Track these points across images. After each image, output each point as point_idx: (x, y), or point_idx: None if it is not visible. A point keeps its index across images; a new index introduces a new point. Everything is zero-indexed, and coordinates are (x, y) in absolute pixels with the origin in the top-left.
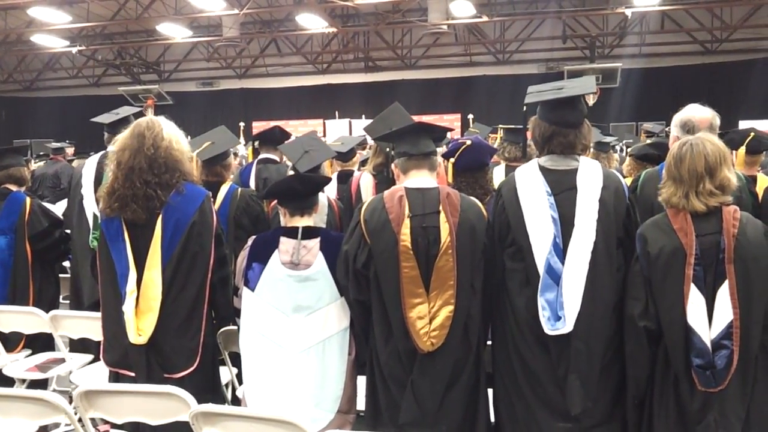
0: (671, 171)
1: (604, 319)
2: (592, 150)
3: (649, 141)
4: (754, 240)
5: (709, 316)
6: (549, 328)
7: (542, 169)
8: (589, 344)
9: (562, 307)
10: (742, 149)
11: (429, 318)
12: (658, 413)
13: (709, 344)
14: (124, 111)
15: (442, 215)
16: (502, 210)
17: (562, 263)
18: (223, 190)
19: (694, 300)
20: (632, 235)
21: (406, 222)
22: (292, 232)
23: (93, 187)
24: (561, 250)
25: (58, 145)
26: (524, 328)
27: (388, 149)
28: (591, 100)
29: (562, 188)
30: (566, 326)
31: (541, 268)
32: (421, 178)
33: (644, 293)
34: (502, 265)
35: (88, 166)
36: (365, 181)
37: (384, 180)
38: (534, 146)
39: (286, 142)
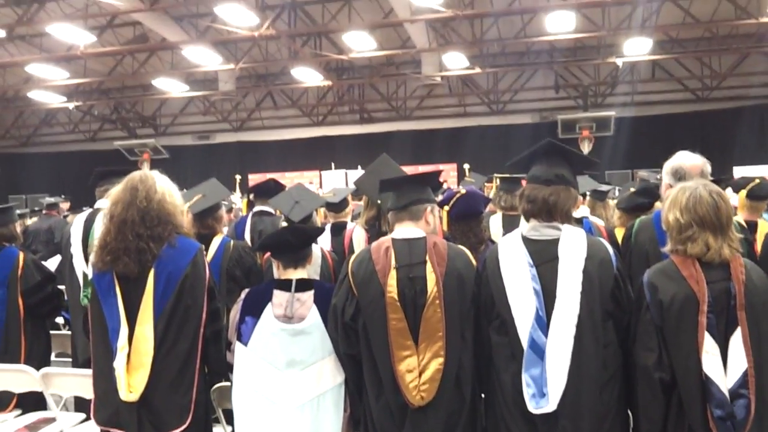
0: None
1: (592, 396)
2: (588, 198)
3: (632, 189)
4: (760, 285)
5: (723, 364)
6: (533, 407)
7: (524, 239)
8: (576, 423)
9: (547, 383)
10: (743, 193)
11: (419, 371)
12: None
13: (727, 394)
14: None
15: (429, 265)
16: (486, 283)
17: (546, 337)
18: (215, 242)
19: (709, 348)
20: (624, 307)
21: (393, 273)
22: (285, 285)
23: (81, 245)
24: (545, 323)
25: (52, 200)
26: (511, 404)
27: (379, 201)
28: (586, 148)
29: (544, 259)
30: (549, 404)
31: (524, 343)
32: (406, 229)
33: (657, 343)
34: (488, 339)
35: (76, 225)
36: (357, 235)
37: (376, 234)
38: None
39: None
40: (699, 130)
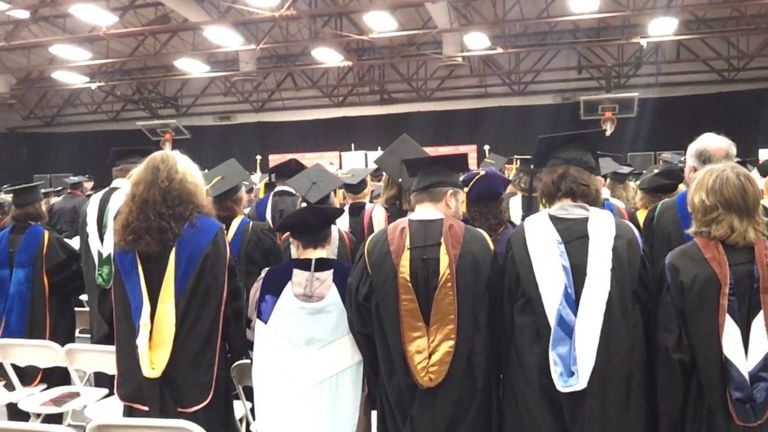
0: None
1: (620, 376)
2: (608, 179)
3: (656, 170)
4: None
5: (744, 347)
6: (561, 385)
7: (552, 218)
8: (604, 402)
9: (576, 361)
10: None
11: (428, 352)
12: None
13: (747, 377)
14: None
15: (443, 247)
16: (512, 263)
17: (575, 315)
18: (235, 224)
19: (730, 331)
20: (650, 288)
21: (406, 254)
22: (305, 264)
23: (96, 225)
24: (573, 300)
25: (76, 179)
26: (535, 385)
27: (400, 180)
28: (609, 130)
29: (574, 236)
30: (579, 383)
31: (552, 321)
32: (425, 210)
33: (677, 325)
34: (510, 321)
35: (92, 205)
36: (377, 214)
37: (396, 213)
38: (544, 200)
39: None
40: (724, 111)
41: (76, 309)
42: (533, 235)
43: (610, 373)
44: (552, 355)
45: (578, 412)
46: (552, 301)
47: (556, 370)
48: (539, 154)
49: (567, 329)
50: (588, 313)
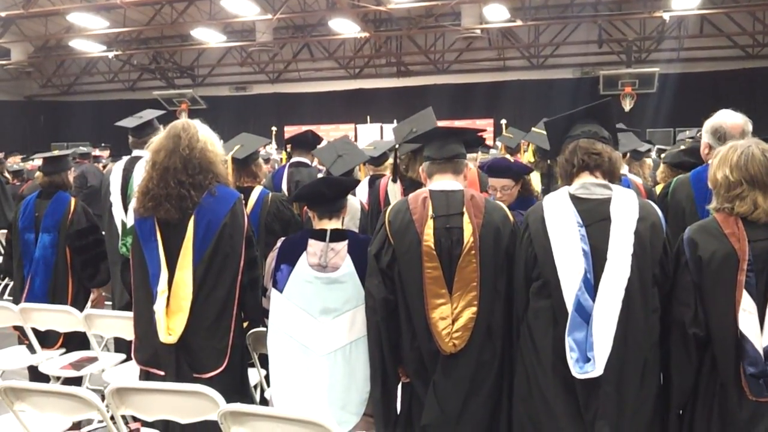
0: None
1: (637, 362)
2: (627, 155)
3: (682, 147)
4: None
5: (759, 323)
6: (577, 371)
7: (573, 197)
8: (620, 389)
9: (592, 348)
10: None
11: (452, 319)
12: (699, 425)
13: (761, 352)
14: (148, 114)
15: (466, 216)
16: (529, 243)
17: (593, 300)
18: (254, 195)
19: (747, 307)
20: (668, 273)
21: (429, 222)
22: (320, 235)
23: (120, 194)
24: (592, 286)
25: (85, 150)
26: (549, 370)
27: (397, 146)
28: (628, 105)
29: (595, 219)
30: (596, 369)
31: (569, 306)
32: (445, 182)
33: (694, 299)
34: (524, 300)
35: (115, 173)
36: (392, 188)
37: (411, 186)
38: (561, 178)
39: (318, 146)
40: (747, 88)
41: None
42: (552, 215)
43: (627, 360)
44: (568, 341)
45: (593, 397)
46: (570, 287)
47: (572, 356)
48: (553, 141)
49: (584, 315)
50: (606, 299)
